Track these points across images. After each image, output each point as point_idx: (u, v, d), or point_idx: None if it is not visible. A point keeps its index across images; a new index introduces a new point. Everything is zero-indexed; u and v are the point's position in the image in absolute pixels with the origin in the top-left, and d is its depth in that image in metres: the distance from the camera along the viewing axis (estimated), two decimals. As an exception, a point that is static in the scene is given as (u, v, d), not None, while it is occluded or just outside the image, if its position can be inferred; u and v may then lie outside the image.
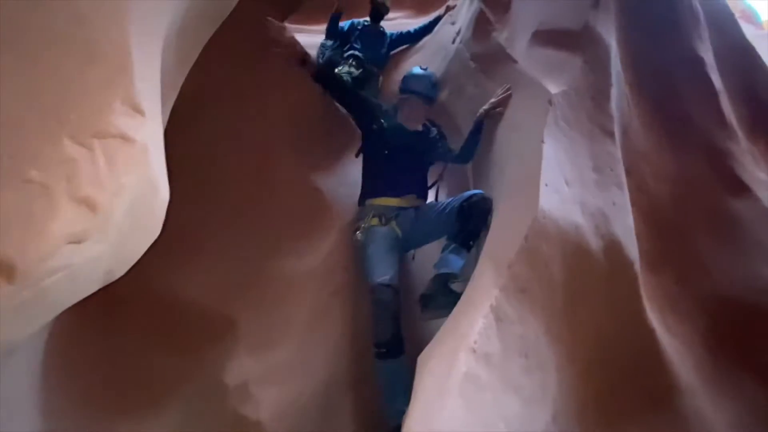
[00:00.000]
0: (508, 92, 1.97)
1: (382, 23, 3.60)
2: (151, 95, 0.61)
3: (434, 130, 2.26)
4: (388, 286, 1.68)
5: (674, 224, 2.18)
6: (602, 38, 2.06)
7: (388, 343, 1.58)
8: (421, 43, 3.55)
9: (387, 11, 3.62)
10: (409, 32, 3.62)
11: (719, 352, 2.00)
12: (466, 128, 2.44)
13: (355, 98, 2.17)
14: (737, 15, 6.99)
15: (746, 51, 3.08)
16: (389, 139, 2.06)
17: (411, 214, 1.96)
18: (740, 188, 2.36)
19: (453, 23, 3.09)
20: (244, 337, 1.37)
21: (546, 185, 1.41)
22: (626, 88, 2.28)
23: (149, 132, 0.55)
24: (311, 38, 4.09)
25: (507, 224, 1.43)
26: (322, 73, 1.99)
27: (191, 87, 1.15)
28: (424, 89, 2.20)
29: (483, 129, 2.13)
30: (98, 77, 0.48)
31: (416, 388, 0.95)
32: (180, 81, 1.01)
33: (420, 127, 2.20)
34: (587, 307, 1.49)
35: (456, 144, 2.26)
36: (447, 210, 1.83)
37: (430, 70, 2.29)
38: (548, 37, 2.04)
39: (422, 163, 2.16)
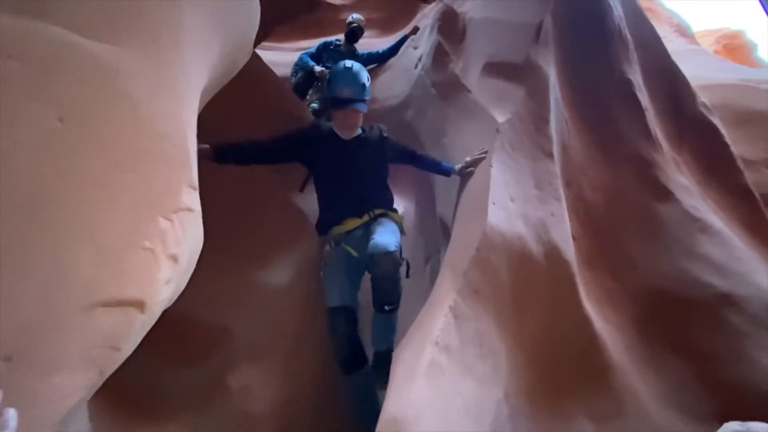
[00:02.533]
0: (484, 154, 1.97)
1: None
2: (196, 170, 0.83)
3: (376, 130, 2.13)
4: (339, 309, 1.77)
5: (608, 227, 2.52)
6: (542, 69, 2.38)
7: (348, 361, 1.73)
8: (388, 63, 3.83)
9: (362, 33, 3.89)
10: (378, 53, 3.89)
11: (648, 335, 2.34)
12: (430, 145, 2.71)
13: (275, 155, 1.99)
14: (673, 29, 7.64)
15: (671, 70, 3.50)
16: (329, 162, 1.97)
17: (358, 234, 1.94)
18: (664, 193, 2.74)
19: (416, 48, 3.37)
20: (241, 344, 1.58)
21: (494, 203, 1.69)
22: (566, 111, 2.62)
23: (198, 199, 0.78)
24: (285, 56, 4.29)
25: (463, 238, 1.71)
26: (221, 154, 1.79)
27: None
28: (356, 95, 1.96)
29: (441, 171, 2.18)
30: (173, 174, 0.72)
31: (392, 376, 1.20)
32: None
33: (360, 131, 2.06)
34: (532, 304, 1.78)
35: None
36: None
37: (353, 64, 2.03)
38: (496, 69, 2.35)
39: (371, 175, 2.04)
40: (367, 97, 2.03)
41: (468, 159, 2.02)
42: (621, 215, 2.57)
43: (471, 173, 2.00)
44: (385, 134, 2.15)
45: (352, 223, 1.95)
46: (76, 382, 0.56)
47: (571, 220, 2.27)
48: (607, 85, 2.85)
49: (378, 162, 2.09)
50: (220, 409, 1.39)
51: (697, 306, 2.36)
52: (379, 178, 2.10)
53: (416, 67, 3.05)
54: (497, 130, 1.96)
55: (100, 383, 0.64)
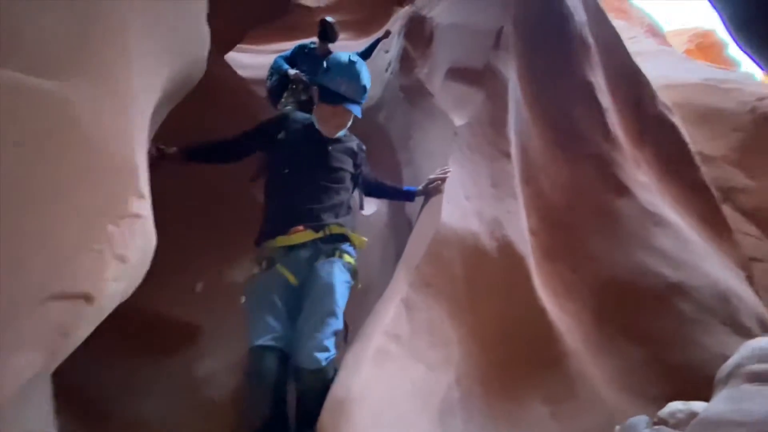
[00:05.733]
0: (446, 173, 1.92)
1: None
2: (146, 178, 0.94)
3: (354, 140, 1.89)
4: (268, 349, 1.33)
5: (568, 222, 2.67)
6: (501, 73, 2.50)
7: (264, 428, 1.27)
8: (362, 66, 3.92)
9: (336, 36, 3.93)
10: None
11: (603, 324, 2.49)
12: (398, 147, 2.83)
13: (242, 147, 1.79)
14: (644, 29, 7.83)
15: (633, 71, 3.66)
16: (297, 156, 1.68)
17: (303, 256, 1.56)
18: (622, 189, 2.89)
19: (387, 51, 3.49)
20: (209, 339, 1.69)
21: (448, 202, 1.81)
22: (527, 113, 2.75)
23: (147, 206, 0.89)
24: (264, 58, 4.37)
25: (419, 235, 1.82)
26: (189, 153, 1.63)
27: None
28: (353, 94, 1.67)
29: (406, 197, 2.10)
30: (120, 185, 0.83)
31: (342, 365, 1.31)
32: (152, 136, 1.31)
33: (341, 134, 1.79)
34: (486, 295, 1.90)
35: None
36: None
37: (357, 59, 1.72)
38: (458, 74, 2.48)
39: (339, 183, 1.74)
40: (363, 101, 1.75)
41: (431, 177, 1.95)
42: (580, 211, 2.72)
43: (435, 189, 1.91)
44: (363, 148, 1.92)
45: (301, 236, 1.57)
46: (32, 361, 0.67)
47: (530, 216, 2.40)
48: (568, 87, 2.99)
49: (348, 173, 1.80)
50: (187, 397, 1.50)
51: (650, 295, 2.52)
52: (344, 192, 1.77)
53: (387, 70, 3.17)
54: (455, 134, 2.08)
55: (55, 364, 0.75)
